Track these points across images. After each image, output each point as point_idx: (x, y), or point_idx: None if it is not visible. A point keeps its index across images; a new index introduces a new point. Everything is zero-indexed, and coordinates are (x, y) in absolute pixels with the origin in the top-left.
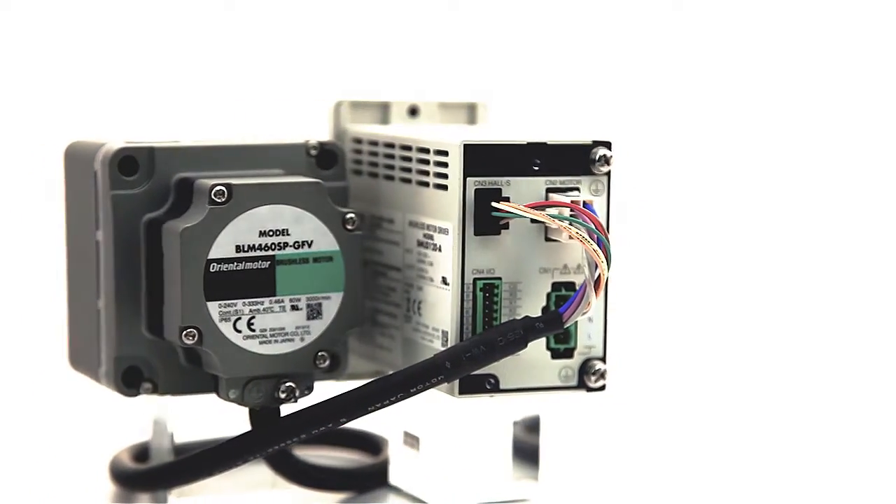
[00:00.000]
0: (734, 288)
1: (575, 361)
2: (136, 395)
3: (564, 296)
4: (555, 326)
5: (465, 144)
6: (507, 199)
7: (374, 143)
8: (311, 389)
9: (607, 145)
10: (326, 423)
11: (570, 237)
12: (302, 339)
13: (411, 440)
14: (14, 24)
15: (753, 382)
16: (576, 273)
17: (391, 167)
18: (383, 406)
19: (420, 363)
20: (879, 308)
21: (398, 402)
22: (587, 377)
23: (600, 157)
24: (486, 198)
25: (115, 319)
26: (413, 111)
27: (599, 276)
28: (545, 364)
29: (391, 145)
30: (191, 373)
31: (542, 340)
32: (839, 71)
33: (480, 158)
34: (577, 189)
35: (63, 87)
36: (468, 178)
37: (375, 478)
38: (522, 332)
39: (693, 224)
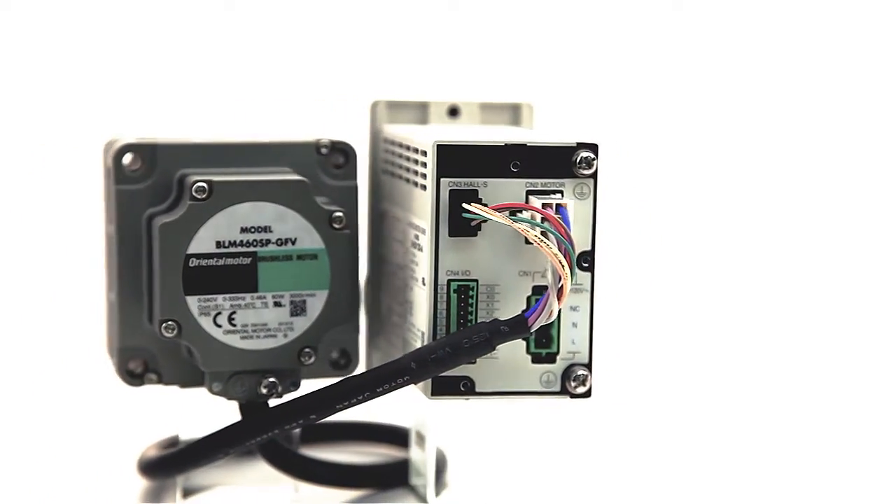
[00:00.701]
0: (727, 291)
1: (557, 367)
2: (140, 384)
3: None
4: (520, 331)
5: (439, 144)
6: (481, 201)
7: (392, 143)
8: (297, 385)
9: (592, 148)
10: (292, 421)
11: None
12: (285, 336)
13: (419, 439)
14: (65, 21)
15: (750, 386)
16: None
17: (400, 166)
18: (350, 405)
19: (387, 364)
20: (877, 313)
21: (365, 401)
22: (569, 383)
23: (581, 159)
24: (461, 199)
25: (118, 311)
26: (453, 111)
27: (562, 285)
28: (525, 368)
29: (399, 144)
30: (194, 365)
31: (522, 344)
32: (838, 73)
33: (455, 159)
34: (560, 192)
35: (118, 83)
36: (442, 179)
37: (396, 476)
38: (488, 336)
39: (690, 228)
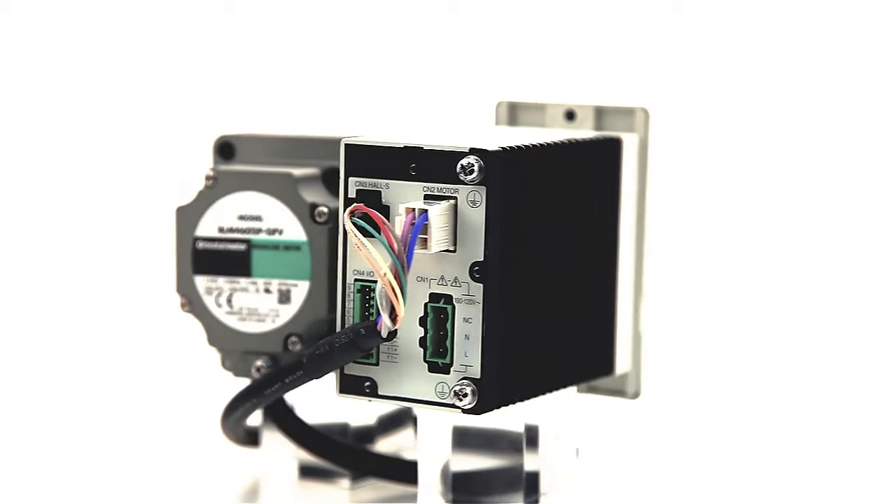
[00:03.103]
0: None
1: (451, 378)
2: None
3: (441, 308)
4: (374, 336)
5: (346, 144)
6: (382, 204)
7: None
8: None
9: (479, 154)
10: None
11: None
12: (273, 322)
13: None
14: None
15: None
16: (453, 285)
17: None
18: (269, 397)
19: (292, 360)
20: None
21: (279, 392)
22: (452, 396)
23: (462, 166)
24: (365, 199)
25: None
26: (570, 115)
27: (393, 308)
28: (423, 376)
29: None
30: None
31: (421, 352)
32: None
33: (360, 159)
34: (454, 198)
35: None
36: (350, 178)
37: None
38: (352, 336)
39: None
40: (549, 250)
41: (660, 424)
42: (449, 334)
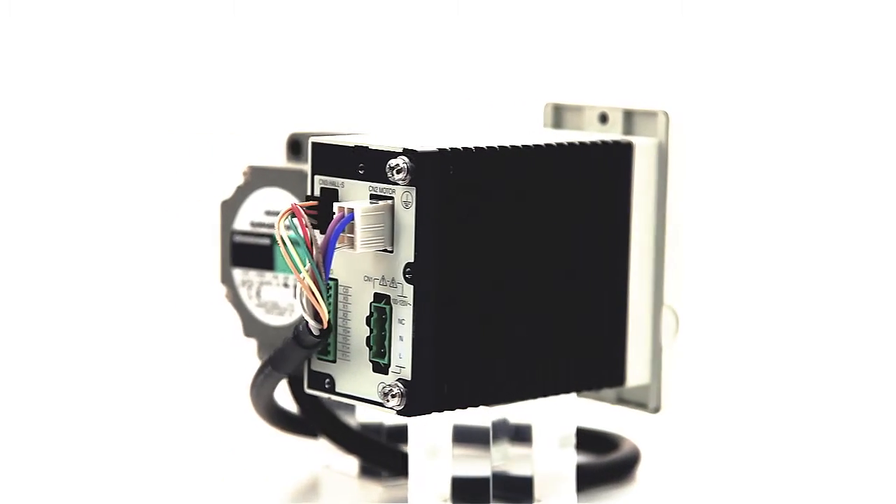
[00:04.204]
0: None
1: (389, 378)
2: None
3: (382, 308)
4: (308, 334)
5: (313, 142)
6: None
7: None
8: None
9: (410, 154)
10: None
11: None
12: (290, 315)
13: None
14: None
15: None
16: (391, 286)
17: None
18: (262, 390)
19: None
20: None
21: (267, 387)
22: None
23: (390, 167)
24: (327, 197)
25: None
26: (603, 118)
27: (317, 312)
28: (368, 376)
29: None
30: None
31: (367, 351)
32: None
33: (323, 157)
34: (391, 198)
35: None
36: (315, 176)
37: None
38: (296, 333)
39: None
40: (512, 254)
41: (681, 440)
42: (388, 335)
